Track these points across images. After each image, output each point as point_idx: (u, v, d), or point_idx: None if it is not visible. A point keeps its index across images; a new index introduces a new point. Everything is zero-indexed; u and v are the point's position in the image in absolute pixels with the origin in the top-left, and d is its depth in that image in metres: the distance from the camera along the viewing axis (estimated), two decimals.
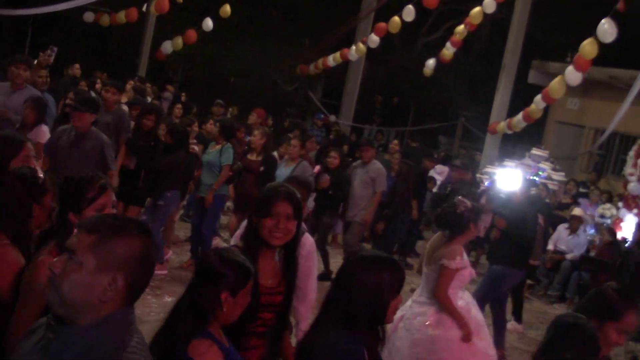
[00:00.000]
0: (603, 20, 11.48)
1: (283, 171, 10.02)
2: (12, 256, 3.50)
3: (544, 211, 10.53)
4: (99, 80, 14.87)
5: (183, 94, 18.98)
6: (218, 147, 9.77)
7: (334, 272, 10.12)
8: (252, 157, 10.22)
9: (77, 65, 16.53)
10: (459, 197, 6.50)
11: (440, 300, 6.00)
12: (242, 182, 10.17)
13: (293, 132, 13.06)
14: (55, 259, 2.36)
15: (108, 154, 7.59)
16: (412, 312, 6.12)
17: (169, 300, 7.94)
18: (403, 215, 11.65)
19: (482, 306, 7.53)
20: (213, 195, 9.62)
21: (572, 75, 12.65)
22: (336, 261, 11.14)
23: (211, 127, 11.80)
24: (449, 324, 5.97)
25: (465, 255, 6.19)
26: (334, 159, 10.56)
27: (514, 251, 8.56)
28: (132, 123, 9.64)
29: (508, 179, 10.05)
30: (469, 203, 6.26)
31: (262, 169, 10.01)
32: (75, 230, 2.38)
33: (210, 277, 3.11)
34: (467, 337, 5.94)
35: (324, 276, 9.69)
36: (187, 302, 3.10)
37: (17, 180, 3.71)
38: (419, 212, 12.45)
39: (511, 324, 9.69)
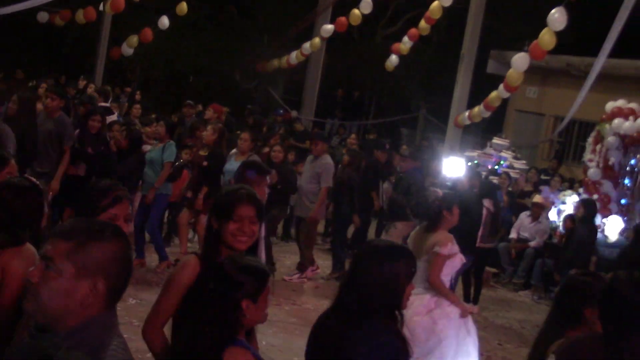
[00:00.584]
0: (554, 10, 11.59)
1: (233, 165, 9.89)
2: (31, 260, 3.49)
3: (492, 196, 10.58)
4: (43, 85, 14.63)
5: (138, 92, 18.80)
6: (161, 144, 9.80)
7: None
8: (203, 152, 10.07)
9: (19, 71, 16.38)
10: (432, 188, 6.74)
11: (435, 286, 6.28)
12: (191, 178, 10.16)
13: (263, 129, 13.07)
14: (31, 268, 2.33)
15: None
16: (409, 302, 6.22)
17: (133, 302, 7.83)
18: (344, 205, 11.31)
19: None
20: (155, 193, 9.64)
21: (521, 61, 12.75)
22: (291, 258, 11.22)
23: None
24: (446, 304, 6.31)
25: (455, 242, 6.39)
26: (278, 152, 10.46)
27: (458, 237, 8.67)
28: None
29: (453, 167, 10.14)
30: (439, 192, 6.44)
31: (205, 163, 9.83)
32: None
33: (230, 287, 3.15)
34: (464, 313, 6.37)
35: None
36: (211, 313, 3.11)
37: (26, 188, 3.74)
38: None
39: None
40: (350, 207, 11.16)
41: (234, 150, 9.89)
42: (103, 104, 11.94)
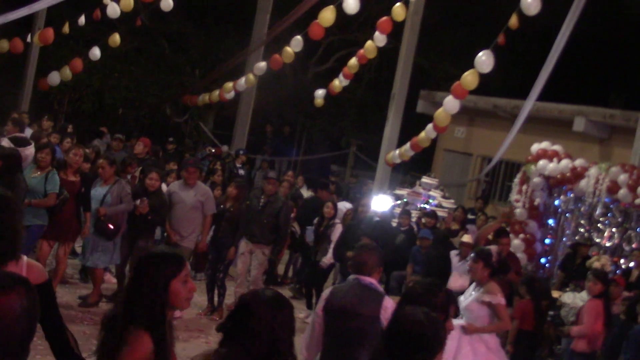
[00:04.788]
0: (481, 53, 11.84)
1: (99, 191, 9.76)
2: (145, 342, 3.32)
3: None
4: None
5: (70, 125, 18.42)
6: (42, 172, 9.22)
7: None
8: (75, 178, 9.62)
9: None
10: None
11: None
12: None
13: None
14: None
15: None
16: None
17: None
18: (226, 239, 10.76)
19: None
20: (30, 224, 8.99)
21: (451, 103, 12.96)
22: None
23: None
24: None
25: None
26: (155, 181, 10.10)
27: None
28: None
29: (379, 203, 10.30)
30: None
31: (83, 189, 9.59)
32: None
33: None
34: None
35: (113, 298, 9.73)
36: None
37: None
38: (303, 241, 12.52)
39: None
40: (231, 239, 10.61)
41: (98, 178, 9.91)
42: (18, 134, 11.46)
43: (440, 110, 13.34)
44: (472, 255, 7.38)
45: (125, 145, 15.74)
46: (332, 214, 11.99)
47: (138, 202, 9.85)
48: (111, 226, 9.66)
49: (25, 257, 3.56)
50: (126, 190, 9.86)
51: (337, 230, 11.45)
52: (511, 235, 13.87)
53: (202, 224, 10.36)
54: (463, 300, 7.37)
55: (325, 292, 5.66)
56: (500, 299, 7.18)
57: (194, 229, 10.26)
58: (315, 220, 12.01)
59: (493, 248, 8.80)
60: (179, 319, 9.41)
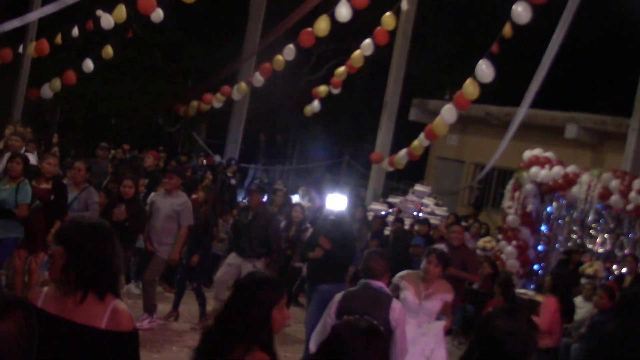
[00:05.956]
0: (480, 61, 11.87)
1: (70, 197, 9.53)
2: None
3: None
4: None
5: (55, 135, 18.39)
6: (13, 183, 8.83)
7: None
8: (46, 185, 9.27)
9: None
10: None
11: None
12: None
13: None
14: None
15: None
16: None
17: None
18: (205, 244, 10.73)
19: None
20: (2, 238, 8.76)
21: (449, 112, 13.00)
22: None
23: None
24: None
25: None
26: (129, 188, 9.91)
27: (336, 269, 9.10)
28: None
29: (336, 202, 10.25)
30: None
31: (52, 197, 9.23)
32: None
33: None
34: None
35: None
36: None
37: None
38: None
39: None
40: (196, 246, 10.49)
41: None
42: None
43: (437, 119, 13.38)
44: (425, 254, 7.41)
45: (134, 157, 15.74)
46: (301, 218, 12.02)
47: (116, 209, 9.70)
48: None
49: (117, 301, 3.35)
50: (93, 199, 9.64)
51: (309, 234, 11.37)
52: (504, 242, 13.95)
53: (179, 235, 9.99)
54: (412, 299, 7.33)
55: (338, 296, 5.99)
56: (450, 297, 7.31)
57: (169, 239, 9.92)
58: (283, 225, 11.98)
59: (441, 246, 8.96)
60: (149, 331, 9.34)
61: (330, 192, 11.73)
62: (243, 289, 3.50)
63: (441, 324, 7.15)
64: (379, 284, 5.87)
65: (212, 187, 11.81)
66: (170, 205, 9.87)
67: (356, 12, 13.55)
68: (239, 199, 17.13)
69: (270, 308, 3.42)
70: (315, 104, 18.74)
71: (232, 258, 10.50)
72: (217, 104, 19.39)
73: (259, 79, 17.32)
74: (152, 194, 10.77)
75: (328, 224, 9.43)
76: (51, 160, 9.46)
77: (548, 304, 9.09)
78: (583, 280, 11.67)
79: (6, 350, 2.19)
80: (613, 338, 5.78)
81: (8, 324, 2.21)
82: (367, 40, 15.23)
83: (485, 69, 11.80)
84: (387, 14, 14.18)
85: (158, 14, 14.56)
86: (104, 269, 3.30)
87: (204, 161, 20.14)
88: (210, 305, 10.12)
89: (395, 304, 5.78)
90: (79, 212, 9.37)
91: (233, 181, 17.87)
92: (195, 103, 20.41)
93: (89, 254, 3.26)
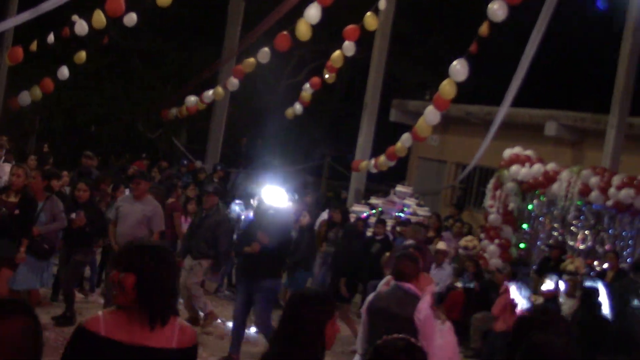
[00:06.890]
0: (455, 61, 11.89)
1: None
2: None
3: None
4: None
5: (45, 145, 18.29)
6: None
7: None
8: (13, 198, 8.80)
9: None
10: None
11: None
12: None
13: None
14: None
15: None
16: None
17: None
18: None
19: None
20: None
21: (432, 114, 12.99)
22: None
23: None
24: None
25: None
26: (83, 192, 9.83)
27: (277, 264, 9.20)
28: None
29: (274, 195, 10.06)
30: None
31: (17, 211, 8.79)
32: None
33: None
34: None
35: (62, 319, 9.56)
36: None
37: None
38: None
39: None
40: None
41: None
42: None
43: (421, 120, 13.35)
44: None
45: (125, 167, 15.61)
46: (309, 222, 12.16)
47: (73, 215, 9.55)
48: (46, 246, 9.21)
49: (179, 319, 3.44)
50: (59, 208, 9.38)
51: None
52: (486, 241, 13.97)
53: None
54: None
55: (370, 296, 6.44)
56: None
57: None
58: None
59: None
60: None
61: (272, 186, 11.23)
62: (293, 310, 3.61)
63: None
64: (407, 285, 6.14)
65: (160, 188, 11.64)
66: (140, 211, 9.66)
67: (334, 14, 13.47)
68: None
69: (323, 326, 3.56)
70: (297, 107, 18.69)
71: (187, 260, 10.44)
72: (201, 106, 19.27)
73: (233, 82, 17.20)
74: (118, 198, 10.60)
75: (266, 218, 9.25)
76: (17, 172, 8.84)
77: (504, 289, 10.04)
78: (565, 277, 11.67)
79: (8, 352, 2.22)
80: None
81: (10, 325, 2.25)
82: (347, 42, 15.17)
83: (459, 68, 11.81)
84: (368, 14, 14.14)
85: (131, 18, 14.45)
86: (171, 293, 3.37)
87: (185, 167, 20.02)
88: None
89: (422, 305, 5.98)
90: (47, 224, 9.23)
91: None
92: (173, 109, 20.26)
93: (160, 279, 3.29)
